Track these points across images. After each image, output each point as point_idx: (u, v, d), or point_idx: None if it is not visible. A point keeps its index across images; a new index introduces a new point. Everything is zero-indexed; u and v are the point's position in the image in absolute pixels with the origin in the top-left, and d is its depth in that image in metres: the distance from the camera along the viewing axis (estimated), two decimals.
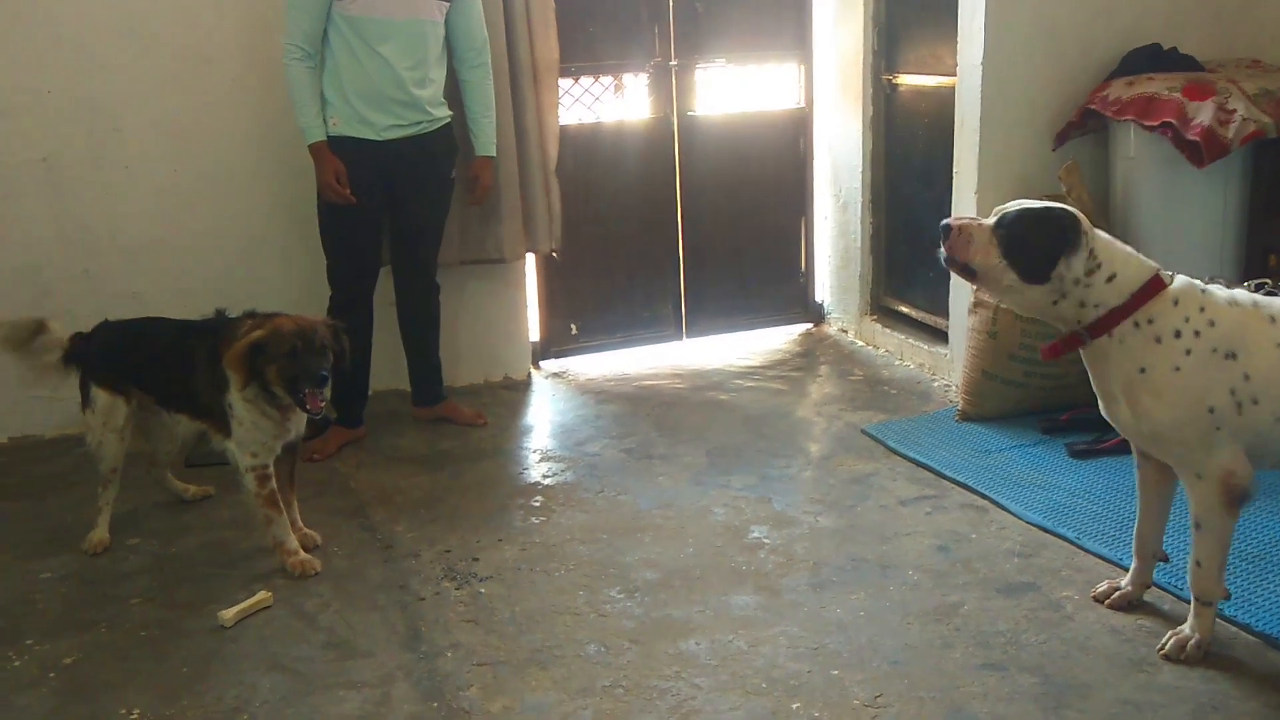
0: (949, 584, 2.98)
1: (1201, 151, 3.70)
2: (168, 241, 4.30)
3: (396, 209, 4.04)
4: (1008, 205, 2.56)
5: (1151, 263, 2.50)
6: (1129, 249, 2.52)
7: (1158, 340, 2.44)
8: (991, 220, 2.53)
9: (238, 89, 4.26)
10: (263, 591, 3.01)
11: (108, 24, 4.10)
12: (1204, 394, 2.41)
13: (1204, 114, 3.73)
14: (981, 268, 2.52)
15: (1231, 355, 2.42)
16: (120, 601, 3.06)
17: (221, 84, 4.25)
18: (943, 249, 2.57)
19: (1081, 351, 2.56)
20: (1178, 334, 2.43)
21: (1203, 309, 2.44)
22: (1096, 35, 4.23)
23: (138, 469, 3.58)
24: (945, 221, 2.58)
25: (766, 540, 3.29)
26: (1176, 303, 2.45)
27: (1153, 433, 2.49)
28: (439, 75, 3.99)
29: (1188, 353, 2.42)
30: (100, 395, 3.30)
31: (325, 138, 3.86)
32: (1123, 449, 3.62)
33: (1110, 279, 2.45)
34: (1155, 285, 2.46)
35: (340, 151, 3.88)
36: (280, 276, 4.37)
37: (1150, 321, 2.44)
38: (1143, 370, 2.45)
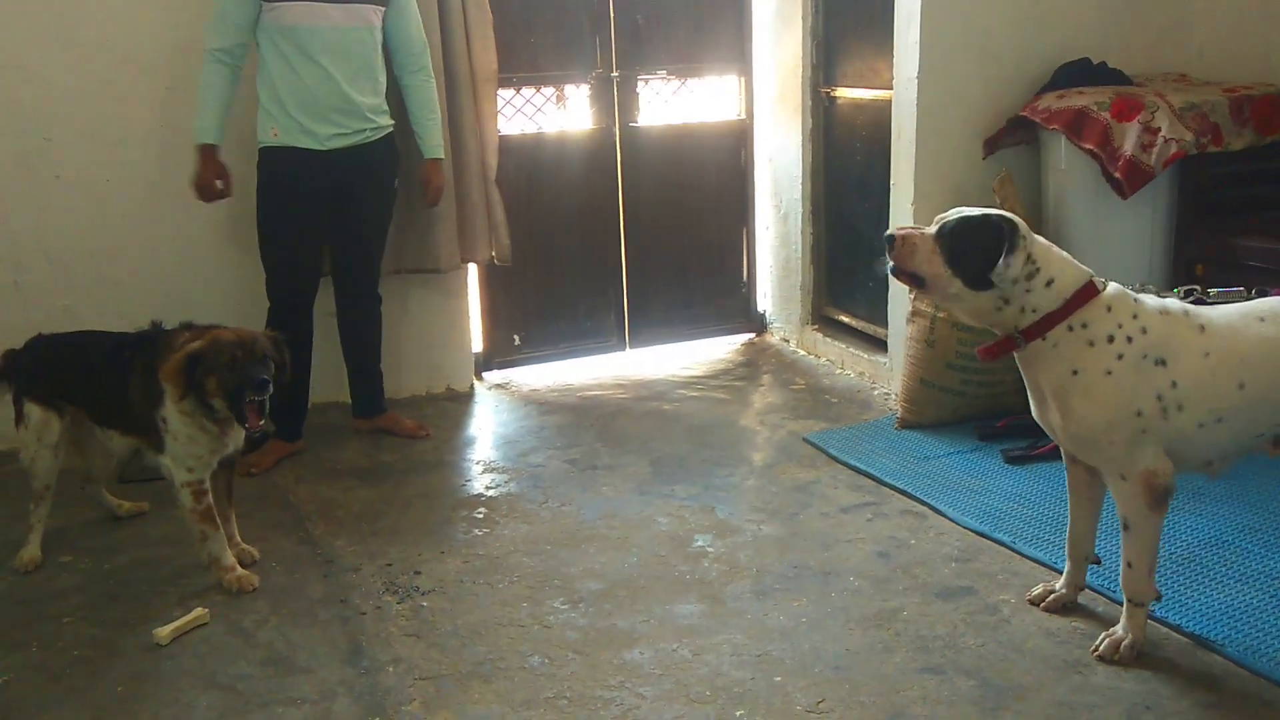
0: (889, 589, 3.02)
1: (1124, 188, 3.84)
2: (101, 253, 4.22)
3: (339, 219, 4.01)
4: (948, 214, 2.60)
5: (1086, 269, 2.55)
6: (1065, 254, 2.57)
7: (1090, 344, 2.49)
8: (933, 229, 2.57)
9: (172, 97, 4.19)
10: (199, 609, 2.96)
11: (38, 29, 4.02)
12: (1132, 398, 2.47)
13: (1129, 140, 3.84)
14: (928, 276, 2.56)
15: (1161, 362, 2.48)
16: (53, 620, 2.99)
17: (156, 92, 4.19)
18: (889, 259, 2.61)
19: (1016, 355, 2.60)
20: (1110, 339, 2.48)
21: (1135, 316, 2.50)
22: (1029, 50, 4.32)
23: (71, 485, 3.50)
24: (889, 232, 2.62)
25: (710, 549, 3.30)
26: (1110, 309, 2.50)
27: (1081, 434, 2.54)
28: (380, 82, 3.97)
29: (1119, 357, 2.47)
30: (33, 410, 3.22)
31: (214, 142, 3.80)
32: (1056, 455, 3.67)
33: (1048, 283, 2.50)
34: (1089, 291, 2.51)
35: (283, 161, 3.84)
36: (218, 288, 4.31)
37: (1084, 326, 2.50)
38: (1075, 372, 2.50)
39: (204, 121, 3.79)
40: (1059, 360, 2.52)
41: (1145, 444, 2.49)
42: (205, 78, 3.78)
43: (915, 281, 2.61)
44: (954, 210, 2.61)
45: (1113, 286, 2.55)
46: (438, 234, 4.46)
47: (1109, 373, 2.48)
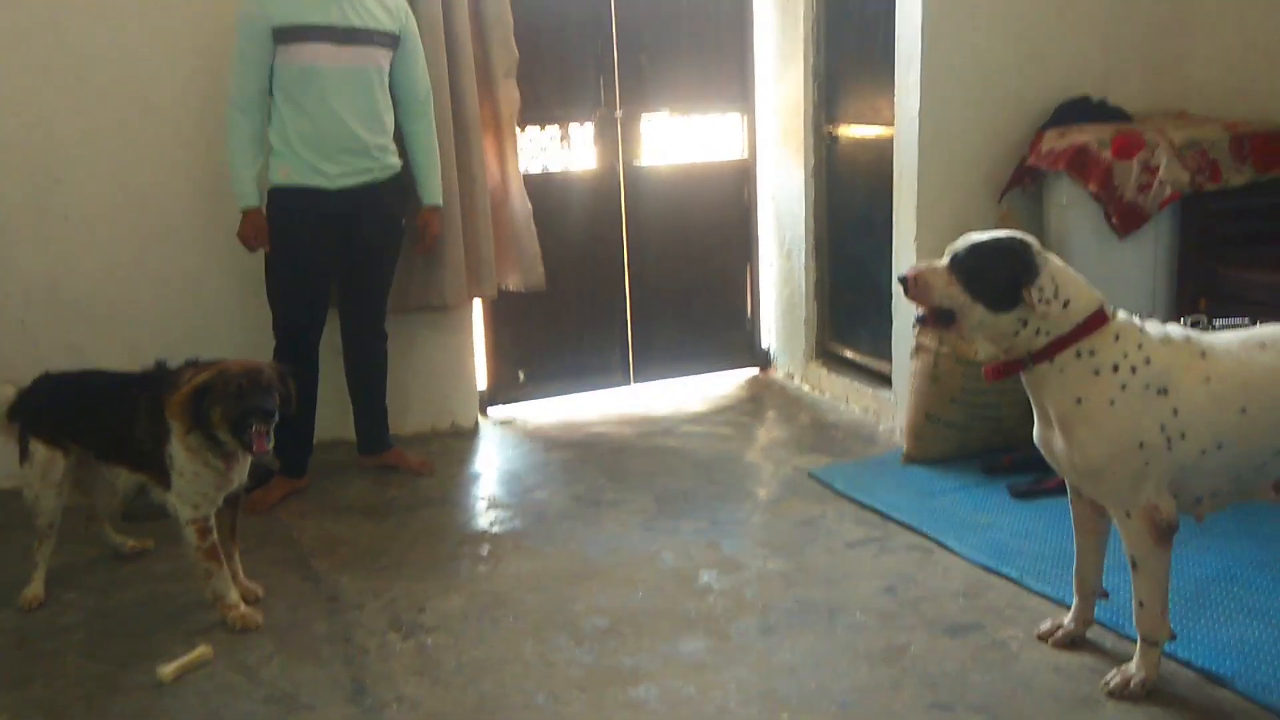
0: (896, 625, 3.00)
1: (1119, 232, 3.89)
2: (109, 293, 4.25)
3: (347, 257, 4.04)
4: (956, 243, 2.59)
5: (1098, 293, 2.55)
6: (1080, 276, 2.56)
7: (1096, 373, 2.49)
8: (945, 260, 2.57)
9: (183, 139, 4.24)
10: (203, 646, 2.95)
11: (50, 71, 4.07)
12: (1135, 430, 2.47)
13: (1128, 183, 3.87)
14: (952, 307, 2.53)
15: (1163, 391, 2.47)
16: (56, 657, 2.98)
17: (166, 134, 4.23)
18: (916, 309, 2.61)
19: (1023, 375, 2.59)
20: (1115, 368, 2.48)
21: (1140, 345, 2.50)
22: (1030, 87, 4.36)
23: (75, 523, 3.50)
24: (900, 274, 2.61)
25: (715, 585, 3.29)
26: (1118, 337, 2.50)
27: (1087, 468, 2.53)
28: (387, 123, 4.01)
29: (1123, 387, 2.47)
30: (38, 449, 3.23)
31: (257, 205, 3.87)
32: (1062, 489, 3.66)
33: (1065, 304, 2.49)
34: (1099, 318, 2.51)
35: (292, 200, 3.88)
36: (225, 326, 4.33)
37: (1092, 353, 2.49)
38: (1079, 401, 2.50)
39: (242, 186, 3.85)
40: (1064, 387, 2.51)
41: (1148, 478, 2.49)
42: (232, 132, 3.84)
43: (942, 319, 2.58)
44: (962, 238, 2.60)
45: (1121, 314, 2.55)
46: (444, 271, 4.49)
47: (1112, 403, 2.47)
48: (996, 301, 2.49)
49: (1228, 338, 2.58)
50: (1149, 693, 2.59)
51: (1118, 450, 2.47)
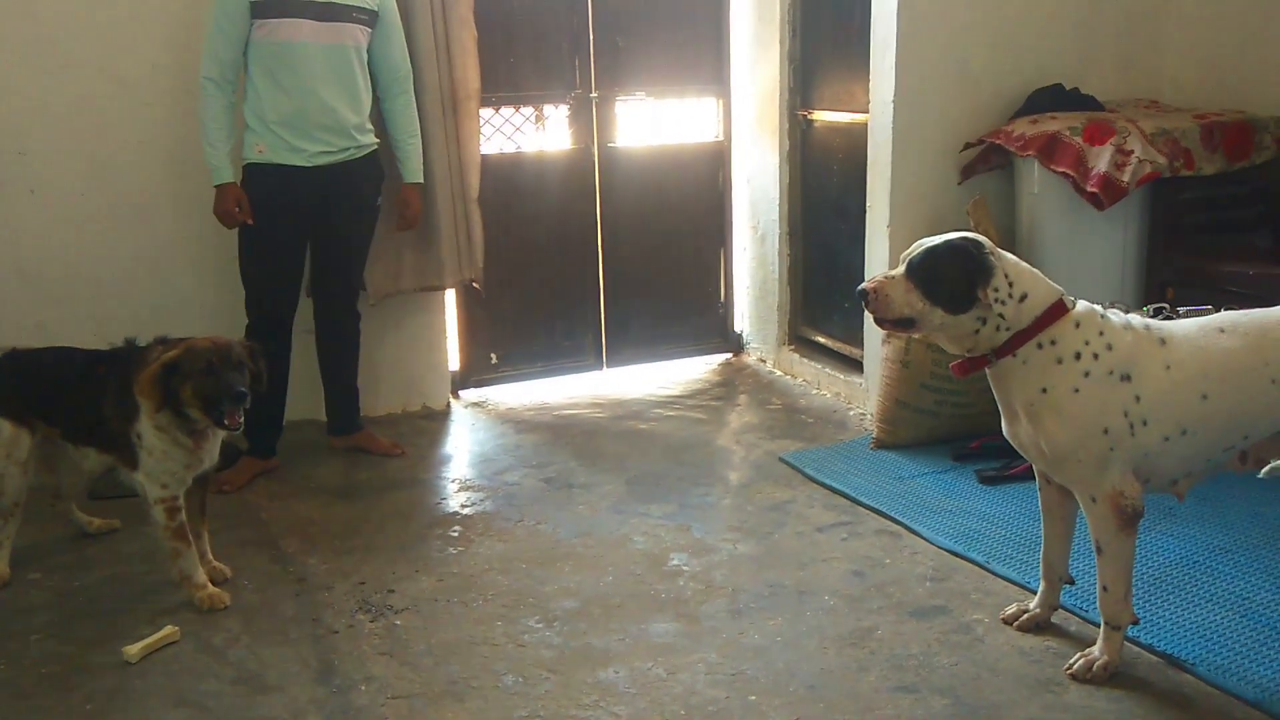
0: (864, 609, 3.02)
1: (1101, 200, 3.87)
2: (77, 269, 4.19)
3: (321, 235, 4.01)
4: (911, 249, 2.62)
5: (1056, 286, 2.58)
6: (1035, 270, 2.59)
7: (1059, 361, 2.51)
8: (901, 269, 2.60)
9: (152, 112, 4.18)
10: (169, 626, 2.93)
11: (14, 41, 4.00)
12: (1100, 415, 2.49)
13: (1102, 160, 3.88)
14: (912, 315, 2.57)
15: (1126, 378, 2.50)
16: (20, 638, 2.95)
17: (135, 106, 4.17)
18: (869, 315, 2.63)
19: (987, 371, 2.62)
20: (1078, 356, 2.51)
21: (1101, 333, 2.53)
22: (1004, 75, 4.38)
23: (41, 502, 3.46)
24: (860, 287, 2.64)
25: (685, 568, 3.30)
26: (1078, 325, 2.53)
27: (1053, 454, 2.56)
28: (365, 101, 3.98)
29: (1086, 374, 2.50)
30: (4, 426, 3.18)
31: (232, 180, 3.83)
32: (1029, 475, 3.70)
33: (1022, 298, 2.51)
34: (1059, 309, 2.54)
35: (267, 178, 3.84)
36: (195, 304, 4.29)
37: (1053, 343, 2.52)
38: (1044, 390, 2.53)
39: (217, 161, 3.80)
40: (1029, 378, 2.54)
41: (1113, 463, 2.51)
42: (206, 107, 3.79)
43: (905, 325, 2.62)
44: (916, 244, 2.63)
45: (1081, 304, 2.57)
46: (438, 251, 4.46)
47: (1076, 390, 2.50)
48: (954, 304, 2.52)
49: (1187, 325, 2.60)
50: (1111, 676, 2.62)
51: (1083, 436, 2.50)
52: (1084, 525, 2.68)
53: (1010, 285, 2.50)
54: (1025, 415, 2.57)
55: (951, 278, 2.52)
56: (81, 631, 2.99)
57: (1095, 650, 2.66)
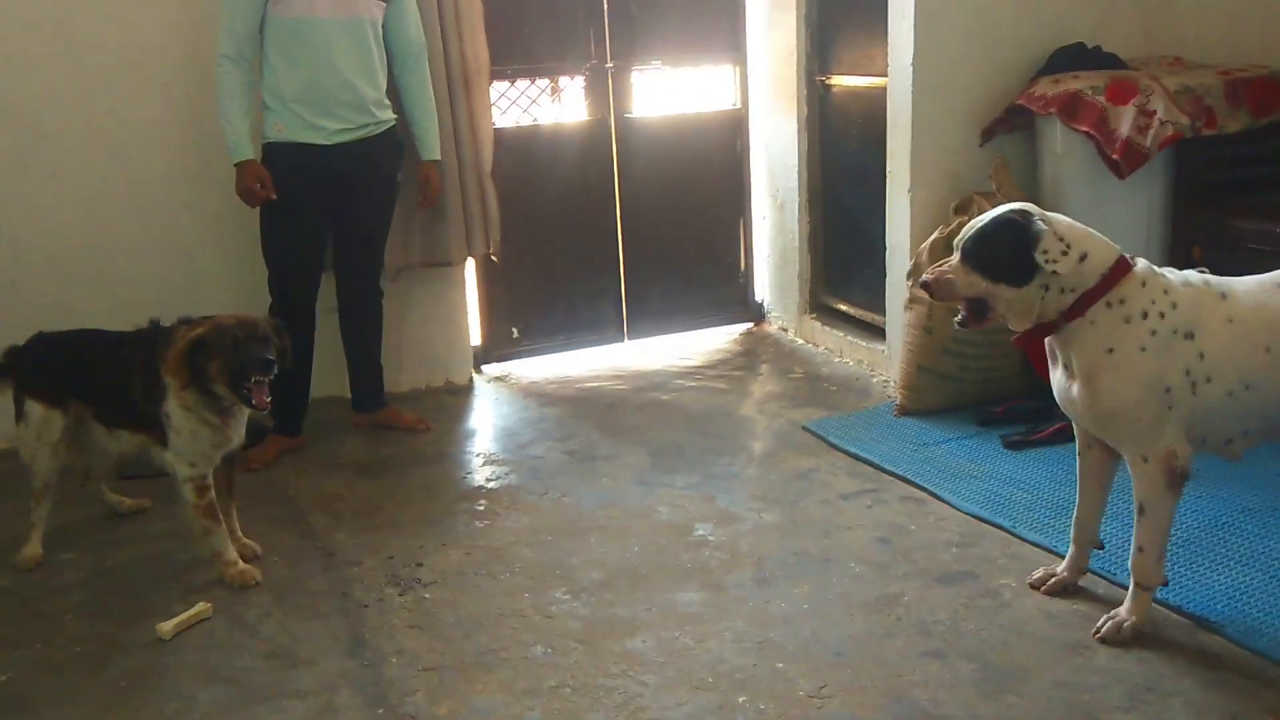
0: (890, 575, 3.03)
1: (1122, 168, 3.83)
2: (99, 250, 4.22)
3: (342, 213, 4.01)
4: (963, 232, 2.62)
5: (1115, 244, 2.56)
6: (1091, 230, 2.57)
7: (1127, 321, 2.49)
8: (956, 257, 2.60)
9: (170, 92, 4.19)
10: (201, 603, 2.97)
11: (31, 23, 4.00)
12: (1163, 374, 2.48)
13: (1124, 123, 3.84)
14: (981, 296, 2.57)
15: (1189, 335, 2.49)
16: (54, 617, 3.00)
17: (153, 87, 4.18)
18: (959, 319, 2.66)
19: (1051, 337, 2.60)
20: (1145, 315, 2.49)
21: (1165, 291, 2.51)
22: (1024, 35, 4.31)
23: (71, 482, 3.50)
24: (922, 280, 2.66)
25: (711, 538, 3.31)
26: (1144, 284, 2.51)
27: (1109, 410, 2.53)
28: (382, 77, 3.97)
29: (1153, 333, 2.48)
30: (35, 408, 3.22)
31: (252, 156, 3.82)
32: (1056, 440, 3.70)
33: (1082, 258, 2.49)
34: (1123, 266, 2.52)
35: (287, 157, 3.85)
36: (218, 285, 4.31)
37: (1121, 302, 2.50)
38: (1110, 350, 2.50)
39: (236, 139, 3.80)
40: (1096, 338, 2.52)
41: (1169, 422, 2.50)
42: (223, 86, 3.79)
43: (977, 311, 2.62)
44: (967, 226, 2.63)
45: (1141, 262, 2.55)
46: (446, 227, 4.46)
47: (1144, 349, 2.48)
48: (1016, 276, 2.52)
49: (1246, 280, 2.58)
50: (1138, 638, 2.61)
51: (1144, 394, 2.48)
52: (1119, 490, 2.66)
53: (1067, 246, 2.48)
54: (1082, 375, 2.55)
55: (1006, 251, 2.51)
56: (114, 610, 3.03)
57: (1122, 611, 2.65)
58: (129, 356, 3.14)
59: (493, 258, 4.72)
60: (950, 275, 2.59)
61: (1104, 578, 2.91)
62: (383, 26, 3.95)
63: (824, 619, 2.82)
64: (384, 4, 3.91)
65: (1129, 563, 2.64)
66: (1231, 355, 2.49)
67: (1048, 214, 2.55)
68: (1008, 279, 2.53)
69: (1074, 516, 2.86)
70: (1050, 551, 3.06)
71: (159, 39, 4.15)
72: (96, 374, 3.22)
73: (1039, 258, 2.47)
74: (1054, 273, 2.47)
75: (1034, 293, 2.53)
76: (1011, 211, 2.55)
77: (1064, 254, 2.48)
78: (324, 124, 3.84)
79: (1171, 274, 2.57)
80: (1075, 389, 2.59)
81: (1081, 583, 2.89)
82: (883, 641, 2.71)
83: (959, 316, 2.68)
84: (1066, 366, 2.62)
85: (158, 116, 4.21)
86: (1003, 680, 2.52)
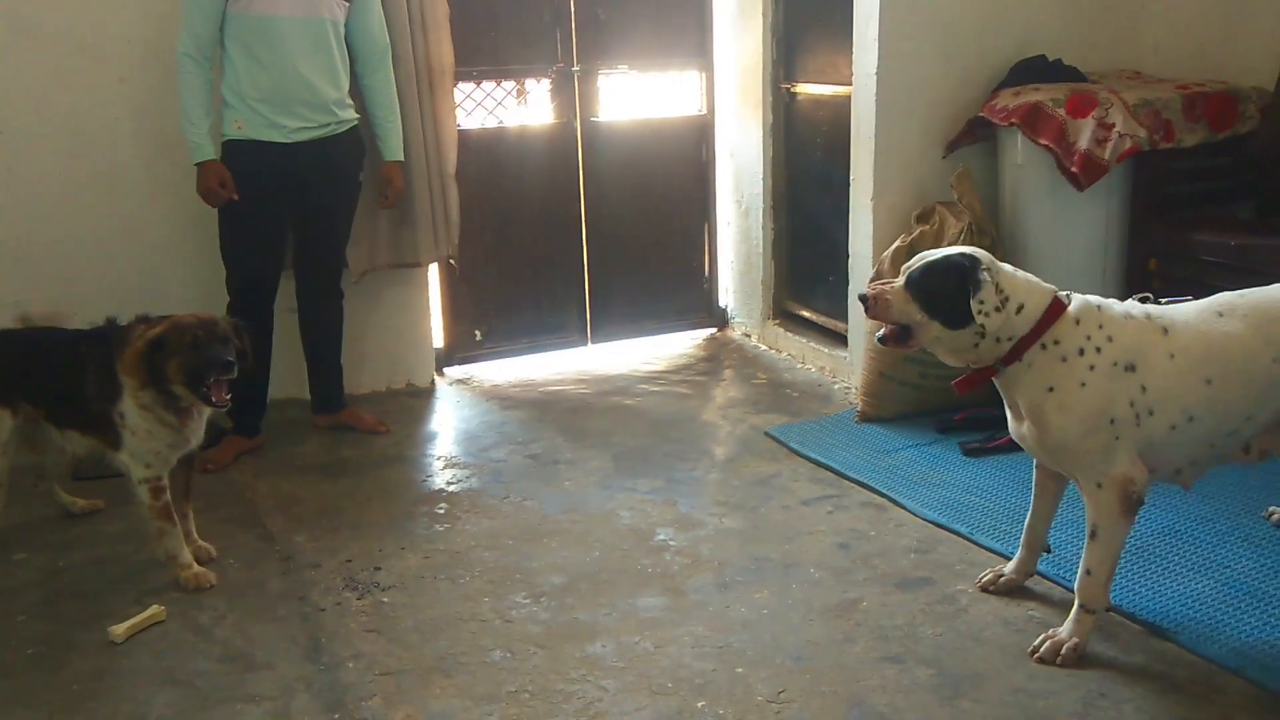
0: (849, 580, 3.04)
1: (1081, 181, 3.89)
2: (55, 248, 4.14)
3: (302, 212, 3.98)
4: (912, 261, 2.65)
5: (1049, 285, 2.59)
6: (1028, 275, 2.61)
7: (1064, 359, 2.52)
8: (901, 280, 2.62)
9: (130, 87, 4.13)
10: (155, 606, 2.93)
11: None
12: (1107, 406, 2.50)
13: (1084, 136, 3.89)
14: (909, 324, 2.60)
15: (1130, 368, 2.51)
16: (6, 618, 2.95)
17: (112, 82, 4.12)
18: (880, 334, 2.68)
19: (995, 379, 2.64)
20: (1081, 351, 2.52)
21: (1101, 325, 2.54)
22: (988, 46, 4.36)
23: (24, 482, 3.45)
24: (861, 293, 2.68)
25: (672, 542, 3.31)
26: (1078, 322, 2.54)
27: (1059, 445, 2.56)
28: (344, 76, 3.95)
29: (1091, 368, 2.51)
30: None
31: (213, 156, 3.78)
32: (1012, 447, 3.71)
33: (1019, 309, 2.53)
34: (1057, 308, 2.55)
35: (246, 155, 3.81)
36: (177, 284, 4.25)
37: (1056, 343, 2.53)
38: (1050, 389, 2.53)
39: (197, 139, 3.76)
40: (1035, 379, 2.55)
41: (1119, 450, 2.52)
42: (184, 84, 3.75)
43: (904, 336, 2.64)
44: (917, 256, 2.67)
45: (1077, 298, 2.58)
46: (415, 229, 4.44)
47: (1084, 385, 2.51)
48: (951, 319, 2.55)
49: (1187, 310, 2.61)
50: (1079, 659, 2.60)
51: (1089, 427, 2.51)
52: (1070, 498, 2.69)
53: (1004, 299, 2.51)
54: (1029, 414, 2.59)
55: (947, 293, 2.54)
56: (67, 611, 2.98)
57: (1064, 632, 2.64)
58: (84, 355, 3.09)
59: (450, 262, 4.70)
60: (890, 298, 2.62)
61: (1057, 583, 2.94)
62: (346, 26, 3.93)
63: (784, 624, 2.83)
64: (346, 4, 3.89)
65: (1075, 583, 2.66)
66: (1173, 389, 2.51)
67: (996, 264, 2.58)
68: (943, 318, 2.57)
69: (1026, 521, 2.89)
70: (1005, 558, 3.08)
71: (121, 31, 4.09)
72: (49, 373, 3.17)
73: (974, 305, 2.50)
74: (981, 325, 2.51)
75: (967, 337, 2.56)
76: (963, 255, 2.58)
77: (998, 309, 2.50)
78: (284, 122, 3.81)
79: (1115, 306, 2.60)
80: (1025, 427, 2.62)
81: (1037, 588, 2.92)
82: (842, 647, 2.72)
83: (881, 333, 2.70)
84: (1013, 407, 2.66)
85: (115, 112, 4.15)
86: (959, 685, 2.54)
